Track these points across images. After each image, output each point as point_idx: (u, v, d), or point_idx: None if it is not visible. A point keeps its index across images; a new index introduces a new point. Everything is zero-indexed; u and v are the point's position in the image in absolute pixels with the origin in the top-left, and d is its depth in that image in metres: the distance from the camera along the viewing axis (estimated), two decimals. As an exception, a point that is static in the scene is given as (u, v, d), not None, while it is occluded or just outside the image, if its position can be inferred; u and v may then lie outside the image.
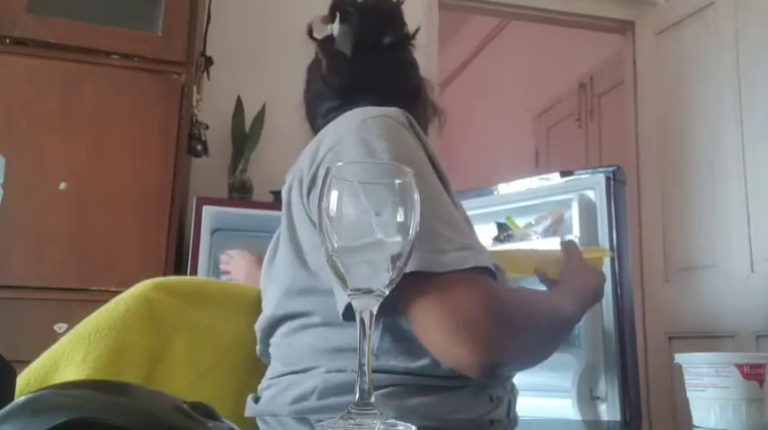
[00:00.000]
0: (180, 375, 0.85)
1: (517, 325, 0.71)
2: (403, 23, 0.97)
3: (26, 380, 0.75)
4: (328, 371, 0.76)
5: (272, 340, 0.85)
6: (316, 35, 0.96)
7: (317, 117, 0.95)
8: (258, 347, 0.89)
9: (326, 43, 0.94)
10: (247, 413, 0.83)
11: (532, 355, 0.77)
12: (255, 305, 0.95)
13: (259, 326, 0.87)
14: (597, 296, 0.96)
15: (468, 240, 0.72)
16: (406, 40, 0.97)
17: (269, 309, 0.86)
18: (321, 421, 0.51)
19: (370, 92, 0.91)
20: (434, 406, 0.74)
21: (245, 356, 0.91)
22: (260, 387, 0.85)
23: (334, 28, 0.93)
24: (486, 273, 0.70)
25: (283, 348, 0.83)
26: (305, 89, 1.00)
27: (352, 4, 0.95)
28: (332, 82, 0.93)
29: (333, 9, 0.95)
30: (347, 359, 0.75)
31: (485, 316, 0.66)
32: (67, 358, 0.76)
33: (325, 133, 0.84)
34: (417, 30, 0.99)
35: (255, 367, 0.91)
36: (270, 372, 0.85)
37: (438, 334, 0.67)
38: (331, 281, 0.75)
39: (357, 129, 0.77)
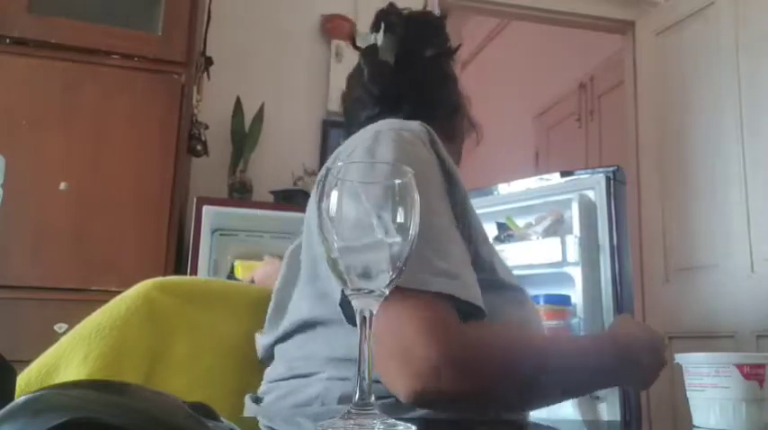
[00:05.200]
0: (181, 375, 0.84)
1: (468, 362, 0.65)
2: (446, 37, 0.98)
3: (27, 379, 0.75)
4: (330, 379, 0.75)
5: (282, 344, 0.85)
6: (359, 44, 0.97)
7: (353, 125, 0.94)
8: (261, 351, 0.88)
9: (369, 52, 0.95)
10: (247, 413, 0.83)
11: (491, 398, 0.70)
12: (257, 305, 0.94)
13: (280, 328, 0.85)
14: (637, 377, 0.81)
15: (452, 268, 0.68)
16: (448, 53, 0.98)
17: (291, 314, 0.85)
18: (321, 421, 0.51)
19: (410, 102, 0.91)
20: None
21: (246, 356, 0.90)
22: (260, 390, 0.85)
23: (379, 37, 0.94)
24: (452, 302, 0.66)
25: (291, 351, 0.82)
26: (343, 97, 1.01)
27: (397, 14, 0.96)
28: (372, 90, 0.93)
29: (378, 19, 0.96)
30: (351, 369, 0.74)
31: (424, 342, 0.62)
32: (68, 357, 0.76)
33: (347, 144, 0.84)
34: (460, 45, 1.00)
35: (257, 367, 0.91)
36: (271, 375, 0.84)
37: (376, 348, 0.66)
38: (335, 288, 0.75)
39: (369, 140, 0.77)
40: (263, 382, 0.86)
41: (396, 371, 0.64)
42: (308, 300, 0.80)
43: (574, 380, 0.75)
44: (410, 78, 0.93)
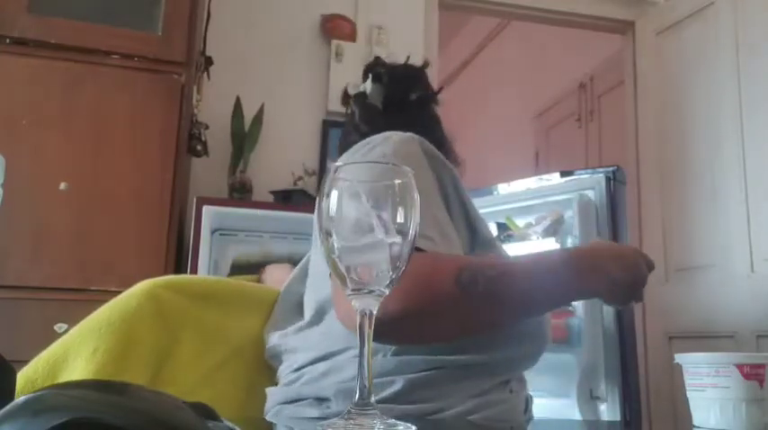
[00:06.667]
0: (189, 372, 0.85)
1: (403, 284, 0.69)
2: (428, 83, 1.09)
3: (35, 369, 0.75)
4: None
5: (304, 333, 0.86)
6: (350, 92, 1.10)
7: None
8: (272, 343, 0.89)
9: (360, 98, 1.06)
10: (274, 399, 0.83)
11: (436, 313, 0.73)
12: (266, 304, 0.96)
13: (305, 317, 0.88)
14: (607, 291, 0.79)
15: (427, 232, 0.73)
16: (431, 96, 1.08)
17: (311, 302, 0.88)
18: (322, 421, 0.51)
19: None
20: (461, 390, 0.76)
21: (254, 355, 0.91)
22: (285, 380, 0.85)
23: (367, 86, 1.06)
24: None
25: (315, 337, 0.84)
26: (340, 141, 1.11)
27: (383, 65, 1.08)
28: (363, 129, 1.02)
29: (366, 71, 1.08)
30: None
31: None
32: (77, 349, 0.77)
33: (343, 157, 0.93)
34: (441, 88, 1.11)
35: (265, 365, 0.91)
36: (292, 366, 0.85)
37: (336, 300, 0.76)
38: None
39: (360, 143, 0.87)
40: (282, 376, 0.86)
41: (347, 312, 0.71)
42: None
43: (524, 295, 0.76)
44: (396, 120, 1.01)
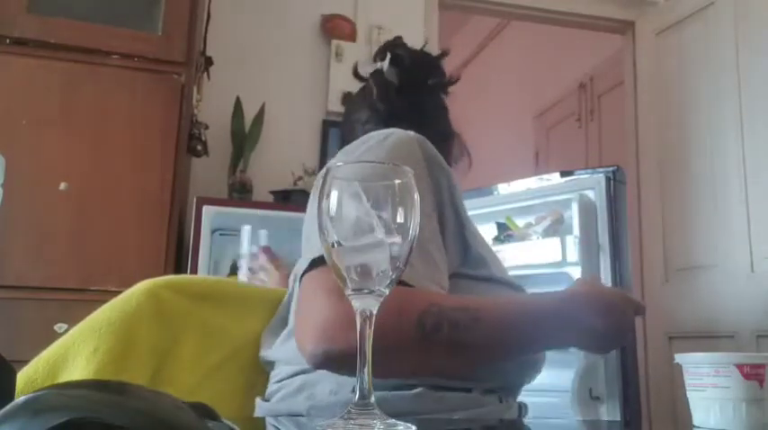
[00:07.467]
0: (188, 373, 0.85)
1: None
2: (444, 72, 1.07)
3: (35, 368, 0.75)
4: None
5: (286, 345, 0.86)
6: (361, 72, 1.06)
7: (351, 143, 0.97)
8: (261, 353, 0.89)
9: (377, 75, 1.04)
10: (258, 412, 0.83)
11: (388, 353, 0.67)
12: (266, 305, 0.96)
13: (287, 327, 0.88)
14: (587, 339, 0.76)
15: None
16: (447, 84, 1.07)
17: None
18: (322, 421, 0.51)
19: (410, 123, 0.93)
20: (444, 401, 0.75)
21: (254, 356, 0.91)
22: (268, 391, 0.85)
23: (385, 65, 1.03)
24: None
25: (296, 351, 0.83)
26: (344, 118, 1.08)
27: (403, 47, 1.06)
28: (379, 107, 1.01)
29: (383, 50, 1.05)
30: None
31: (320, 307, 0.68)
32: (77, 349, 0.77)
33: (344, 150, 0.90)
34: (458, 78, 1.09)
35: (264, 366, 0.91)
36: (276, 377, 0.85)
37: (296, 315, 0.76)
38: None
39: (360, 140, 0.86)
40: (269, 384, 0.87)
41: (302, 335, 0.71)
42: None
43: (491, 345, 0.72)
44: (412, 102, 1.01)
